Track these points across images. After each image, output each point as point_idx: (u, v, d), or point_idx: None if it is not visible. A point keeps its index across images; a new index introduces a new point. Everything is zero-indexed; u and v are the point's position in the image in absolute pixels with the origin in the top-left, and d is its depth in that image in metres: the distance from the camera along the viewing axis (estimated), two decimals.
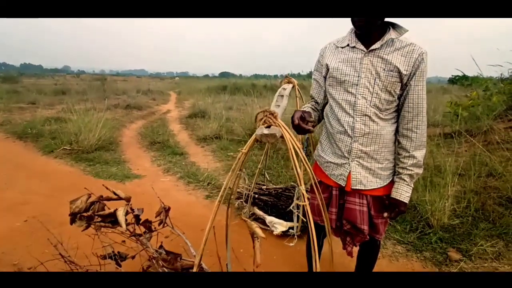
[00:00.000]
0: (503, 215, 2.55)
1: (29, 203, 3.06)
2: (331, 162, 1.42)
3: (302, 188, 1.01)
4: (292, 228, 2.45)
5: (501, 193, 2.78)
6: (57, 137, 5.32)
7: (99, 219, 1.44)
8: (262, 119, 1.07)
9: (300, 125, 1.18)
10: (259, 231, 1.16)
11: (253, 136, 1.09)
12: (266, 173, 3.17)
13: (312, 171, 1.22)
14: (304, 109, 1.39)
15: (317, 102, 1.52)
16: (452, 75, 19.59)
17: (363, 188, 1.35)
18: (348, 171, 1.35)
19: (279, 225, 2.47)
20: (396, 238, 2.46)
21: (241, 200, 2.78)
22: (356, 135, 1.31)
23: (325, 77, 1.43)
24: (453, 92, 9.04)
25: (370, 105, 1.28)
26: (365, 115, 1.29)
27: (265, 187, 2.89)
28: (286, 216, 2.54)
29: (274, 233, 2.47)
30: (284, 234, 2.46)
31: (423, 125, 1.29)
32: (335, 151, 1.41)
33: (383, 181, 1.37)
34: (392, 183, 1.38)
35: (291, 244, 1.43)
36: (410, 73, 1.24)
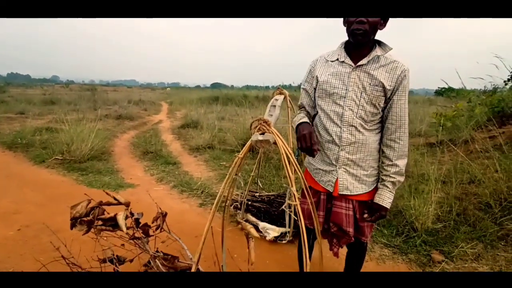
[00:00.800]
0: (483, 219, 2.68)
1: (21, 213, 3.07)
2: (320, 169, 1.52)
3: (293, 188, 1.11)
4: (284, 233, 2.53)
5: (480, 198, 2.93)
6: (48, 147, 5.31)
7: (100, 223, 1.50)
8: (257, 126, 1.17)
9: (312, 147, 1.28)
10: (253, 231, 1.25)
11: (249, 142, 1.19)
12: (259, 181, 3.26)
13: (303, 176, 1.32)
14: (303, 120, 1.46)
15: (308, 112, 1.61)
16: (439, 87, 20.20)
17: (349, 194, 1.45)
18: (336, 177, 1.45)
19: (272, 231, 2.55)
20: (383, 242, 2.57)
21: (236, 203, 2.86)
22: (343, 144, 1.41)
23: (315, 88, 1.52)
24: (439, 104, 9.34)
25: (356, 116, 1.38)
26: (352, 125, 1.39)
27: (257, 194, 2.98)
28: (278, 222, 2.63)
29: (267, 238, 2.54)
30: (277, 240, 2.54)
31: (405, 136, 1.40)
32: (323, 159, 1.50)
33: (368, 187, 1.47)
34: (376, 189, 1.48)
35: (283, 241, 1.52)
36: (394, 88, 1.34)
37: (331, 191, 1.47)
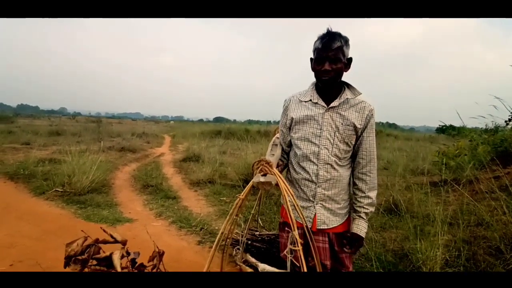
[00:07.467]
0: (494, 266, 2.56)
1: (15, 246, 2.98)
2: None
3: (296, 233, 1.08)
4: None
5: (490, 242, 2.81)
6: (50, 178, 5.28)
7: (95, 262, 1.45)
8: (258, 167, 1.17)
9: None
10: None
11: (250, 183, 1.18)
12: (259, 219, 3.19)
13: (303, 215, 1.30)
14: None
15: (283, 150, 1.67)
16: (440, 125, 20.26)
17: (326, 227, 1.51)
18: (314, 213, 1.50)
19: None
20: None
21: (238, 247, 2.76)
22: (319, 181, 1.48)
23: (289, 128, 1.59)
24: (440, 141, 9.35)
25: (331, 154, 1.46)
26: (327, 163, 1.46)
27: (257, 233, 2.89)
28: (279, 263, 2.52)
29: None
30: None
31: (374, 170, 1.51)
32: (300, 195, 1.56)
33: (341, 219, 1.55)
34: (348, 220, 1.57)
35: None
36: (363, 126, 1.46)
37: (310, 226, 1.50)
